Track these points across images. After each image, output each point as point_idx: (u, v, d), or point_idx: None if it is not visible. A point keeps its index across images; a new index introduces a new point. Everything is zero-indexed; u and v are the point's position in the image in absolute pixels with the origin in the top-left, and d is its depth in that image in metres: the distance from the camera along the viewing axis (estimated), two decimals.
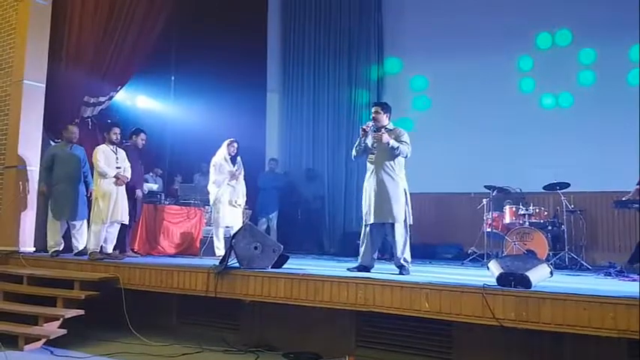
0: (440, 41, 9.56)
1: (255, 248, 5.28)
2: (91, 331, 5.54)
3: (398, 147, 5.25)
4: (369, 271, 5.26)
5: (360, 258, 5.42)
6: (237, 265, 5.26)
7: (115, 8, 7.88)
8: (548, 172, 7.95)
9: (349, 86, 10.18)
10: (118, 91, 8.34)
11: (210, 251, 7.09)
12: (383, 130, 5.35)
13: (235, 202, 7.07)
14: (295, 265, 5.82)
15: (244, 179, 7.23)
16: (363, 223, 5.39)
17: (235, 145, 7.15)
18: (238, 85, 9.83)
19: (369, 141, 5.39)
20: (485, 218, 7.89)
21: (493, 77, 9.16)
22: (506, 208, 7.74)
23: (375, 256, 5.45)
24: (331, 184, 10.03)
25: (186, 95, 10.57)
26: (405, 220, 5.30)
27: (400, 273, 5.16)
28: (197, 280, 5.26)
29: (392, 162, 5.30)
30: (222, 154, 7.13)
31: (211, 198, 7.10)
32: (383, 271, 5.34)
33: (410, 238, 5.35)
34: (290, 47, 10.65)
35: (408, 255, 5.30)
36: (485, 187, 8.05)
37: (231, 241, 5.33)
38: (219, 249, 6.93)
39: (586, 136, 8.50)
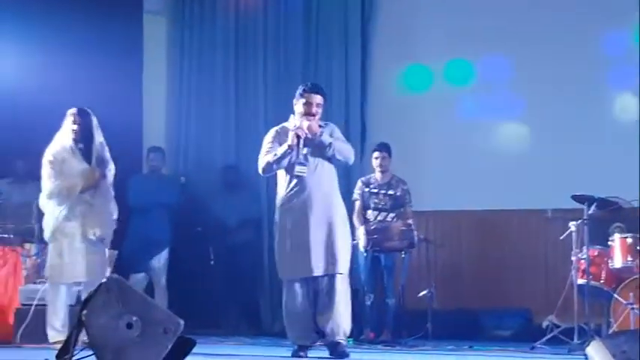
0: None
1: (129, 327, 5.20)
2: None
3: (331, 144, 6.40)
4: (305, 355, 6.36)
5: (290, 335, 6.48)
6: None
7: None
8: None
9: (306, 14, 10.39)
10: None
11: (37, 332, 7.03)
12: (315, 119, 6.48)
13: (94, 234, 7.06)
14: (208, 358, 6.03)
15: None
16: (285, 275, 6.50)
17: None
18: (87, 5, 9.80)
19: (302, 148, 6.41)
20: (574, 259, 7.90)
21: None
22: (615, 238, 7.83)
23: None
24: (275, 196, 9.97)
25: None
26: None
27: (336, 356, 6.29)
28: None
29: (333, 178, 6.61)
30: (65, 141, 7.15)
31: (47, 227, 7.05)
32: None
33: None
34: None
35: (348, 324, 6.46)
36: (573, 198, 8.02)
37: (80, 315, 5.13)
38: (57, 329, 6.89)
39: None
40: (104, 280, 5.47)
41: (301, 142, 6.34)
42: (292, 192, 6.44)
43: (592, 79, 9.51)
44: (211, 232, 9.93)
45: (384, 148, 8.68)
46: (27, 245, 7.78)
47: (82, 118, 7.17)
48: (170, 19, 10.83)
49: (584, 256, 7.79)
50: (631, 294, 7.32)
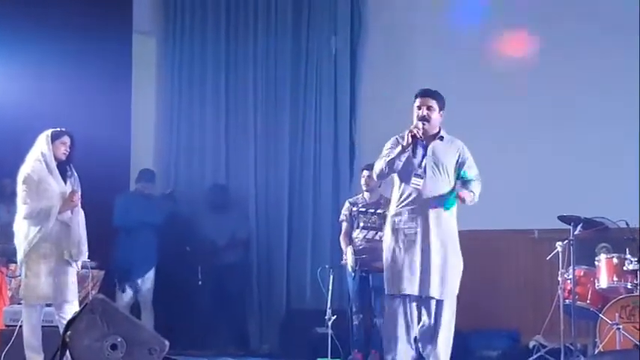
0: None
1: (113, 348, 5.26)
2: None
3: (473, 195, 6.62)
4: None
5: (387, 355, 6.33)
6: None
7: None
8: None
9: (296, 32, 10.40)
10: None
11: (21, 354, 6.96)
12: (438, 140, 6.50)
13: (70, 256, 6.95)
14: None
15: (82, 209, 7.18)
16: (396, 291, 6.29)
17: (66, 141, 7.09)
18: (74, 24, 9.79)
19: (419, 156, 6.30)
20: (560, 279, 7.94)
21: None
22: (602, 258, 7.83)
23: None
24: (265, 216, 10.16)
25: None
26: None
27: None
28: None
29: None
30: (42, 162, 7.02)
31: (19, 248, 6.97)
32: None
33: None
34: None
35: (447, 354, 6.37)
36: (560, 219, 8.10)
37: (63, 336, 5.14)
38: (35, 350, 6.86)
39: None
40: (88, 301, 5.46)
41: (415, 143, 6.22)
42: (403, 205, 6.39)
43: (581, 101, 9.54)
44: (200, 252, 9.85)
45: (372, 168, 8.58)
46: (12, 265, 7.69)
47: (64, 138, 7.07)
48: (159, 39, 10.81)
49: (571, 277, 7.81)
50: (616, 314, 7.32)
